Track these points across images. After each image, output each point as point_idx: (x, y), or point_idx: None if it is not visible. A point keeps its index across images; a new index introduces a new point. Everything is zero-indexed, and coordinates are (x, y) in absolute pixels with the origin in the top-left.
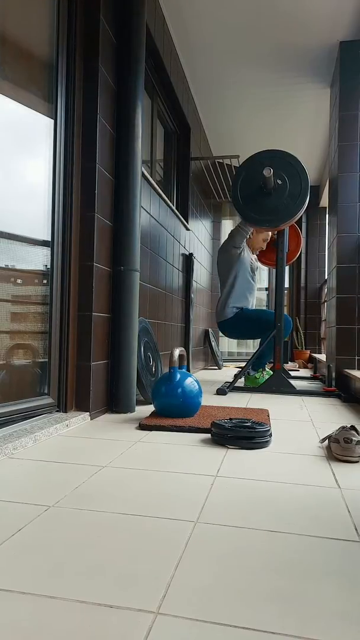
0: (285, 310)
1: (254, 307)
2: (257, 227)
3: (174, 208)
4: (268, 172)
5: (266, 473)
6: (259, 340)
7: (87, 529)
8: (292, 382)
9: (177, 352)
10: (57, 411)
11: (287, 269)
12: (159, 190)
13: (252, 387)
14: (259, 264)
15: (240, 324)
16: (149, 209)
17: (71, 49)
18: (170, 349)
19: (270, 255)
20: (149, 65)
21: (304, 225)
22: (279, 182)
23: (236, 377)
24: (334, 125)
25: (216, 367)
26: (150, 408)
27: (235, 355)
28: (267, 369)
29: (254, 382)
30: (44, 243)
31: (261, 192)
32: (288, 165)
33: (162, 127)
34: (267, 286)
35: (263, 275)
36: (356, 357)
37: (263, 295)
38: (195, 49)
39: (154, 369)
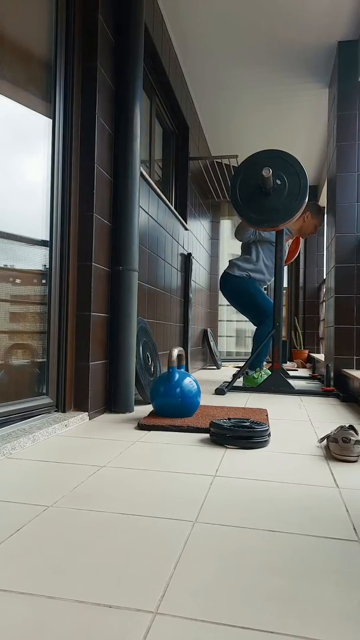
0: (284, 310)
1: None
2: (257, 228)
3: (172, 208)
4: (267, 172)
5: (265, 473)
6: (255, 338)
7: (85, 529)
8: (291, 381)
9: (175, 352)
10: (55, 411)
11: (285, 268)
12: (158, 190)
13: (251, 387)
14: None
15: (239, 289)
16: (148, 208)
17: (70, 48)
18: (169, 348)
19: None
20: (147, 65)
21: None
22: (278, 182)
23: (235, 376)
24: (333, 125)
25: (215, 367)
26: (149, 408)
27: (234, 355)
28: (265, 369)
29: (253, 381)
30: (42, 243)
31: (260, 192)
32: (287, 165)
33: (161, 127)
34: (265, 286)
35: None
36: (354, 357)
37: None
38: (193, 49)
39: (152, 369)
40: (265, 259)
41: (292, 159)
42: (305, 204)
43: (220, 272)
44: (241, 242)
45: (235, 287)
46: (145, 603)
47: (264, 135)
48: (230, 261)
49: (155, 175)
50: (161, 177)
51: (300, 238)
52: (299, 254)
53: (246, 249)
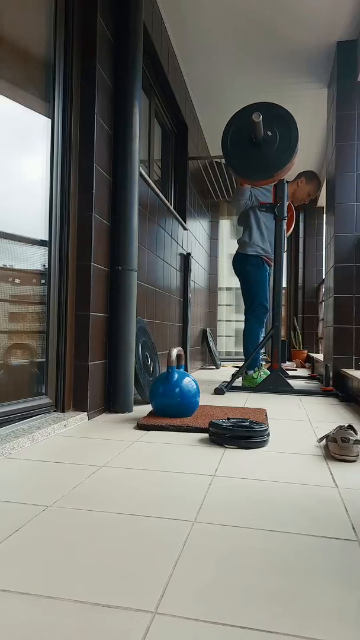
0: (283, 310)
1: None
2: (248, 181)
3: (171, 208)
4: (257, 116)
5: (264, 472)
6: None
7: (84, 529)
8: (290, 381)
9: (174, 351)
10: (54, 411)
11: (284, 268)
12: (157, 190)
13: (250, 387)
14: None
15: (248, 271)
16: (147, 209)
17: (68, 48)
18: (168, 348)
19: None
20: (146, 64)
21: (301, 224)
22: (269, 133)
23: (234, 376)
24: (332, 125)
25: (214, 367)
26: (148, 408)
27: (233, 355)
28: (264, 369)
29: (252, 381)
30: (41, 243)
31: (251, 143)
32: (278, 117)
33: (160, 126)
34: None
35: None
36: (354, 357)
37: None
38: (192, 49)
39: (152, 369)
40: (265, 221)
41: (283, 110)
42: (296, 155)
43: (220, 271)
44: (238, 220)
45: (246, 269)
46: (144, 603)
47: None
48: (238, 240)
49: (155, 175)
50: (160, 177)
51: (293, 207)
52: (297, 253)
53: (245, 219)
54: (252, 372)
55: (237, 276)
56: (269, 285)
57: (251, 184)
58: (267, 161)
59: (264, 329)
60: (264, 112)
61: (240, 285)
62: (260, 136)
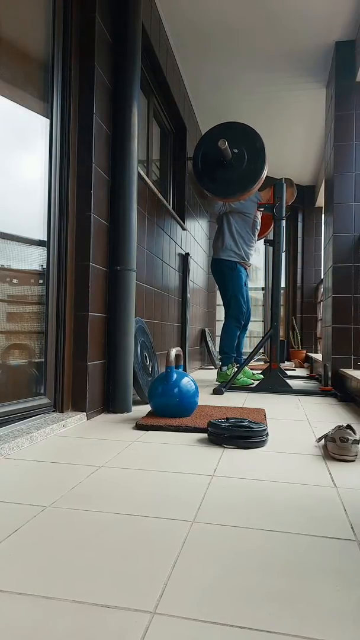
0: (282, 310)
1: (249, 267)
2: (233, 199)
3: (170, 208)
4: (223, 143)
5: (263, 472)
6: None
7: (83, 529)
8: (289, 381)
9: (173, 351)
10: (53, 411)
11: (283, 268)
12: (156, 190)
13: (249, 387)
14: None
15: (223, 274)
16: (146, 209)
17: (67, 48)
18: (167, 348)
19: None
20: (145, 64)
21: (300, 225)
22: (236, 151)
23: (233, 376)
24: (330, 125)
25: (213, 367)
26: (147, 408)
27: None
28: (234, 365)
29: (225, 377)
30: (40, 243)
31: (223, 165)
32: (236, 133)
33: (159, 127)
34: (263, 286)
35: (259, 275)
36: (352, 357)
37: (259, 294)
38: (191, 49)
39: (150, 369)
40: (238, 228)
41: (240, 125)
42: (267, 164)
43: None
44: (216, 218)
45: (224, 273)
46: (143, 603)
47: (261, 134)
48: (213, 246)
49: (153, 175)
50: (159, 177)
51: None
52: (296, 253)
53: (219, 224)
54: (226, 368)
55: (215, 280)
56: (246, 286)
57: (235, 201)
58: (242, 176)
59: (240, 328)
60: (223, 135)
61: (219, 288)
62: (229, 157)
